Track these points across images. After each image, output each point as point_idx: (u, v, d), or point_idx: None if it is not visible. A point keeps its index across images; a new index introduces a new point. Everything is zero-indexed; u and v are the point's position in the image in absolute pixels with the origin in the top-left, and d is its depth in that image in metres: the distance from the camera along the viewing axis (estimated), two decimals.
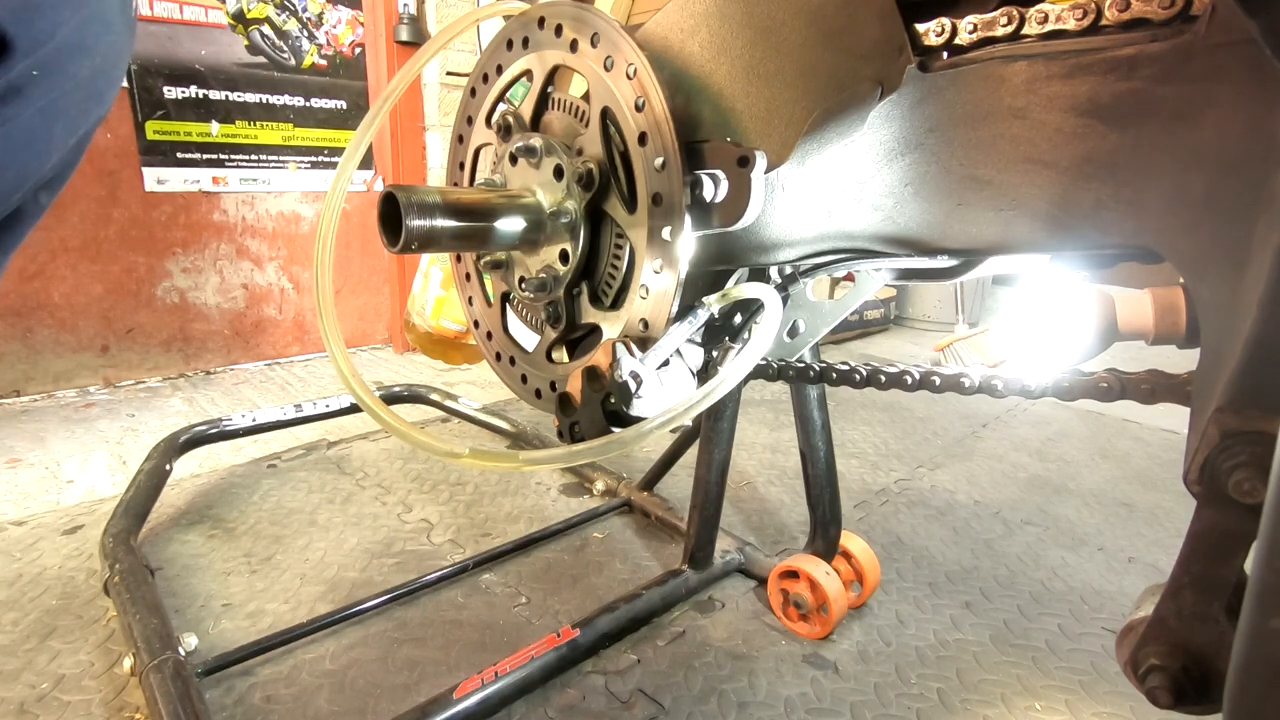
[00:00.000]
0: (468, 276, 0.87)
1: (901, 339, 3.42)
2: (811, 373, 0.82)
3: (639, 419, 0.60)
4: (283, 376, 2.60)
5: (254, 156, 2.57)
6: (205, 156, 2.46)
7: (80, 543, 1.40)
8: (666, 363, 0.63)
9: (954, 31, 0.51)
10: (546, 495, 1.65)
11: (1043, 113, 0.49)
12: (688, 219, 0.59)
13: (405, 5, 2.66)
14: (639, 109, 0.61)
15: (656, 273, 0.62)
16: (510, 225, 0.68)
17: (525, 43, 0.72)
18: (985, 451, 1.97)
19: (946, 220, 0.59)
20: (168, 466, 1.54)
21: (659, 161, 0.60)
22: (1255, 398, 0.35)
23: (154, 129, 2.35)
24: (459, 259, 0.88)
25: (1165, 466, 1.88)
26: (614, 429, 0.60)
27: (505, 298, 0.83)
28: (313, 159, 2.71)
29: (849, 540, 1.22)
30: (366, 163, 2.88)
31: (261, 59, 2.52)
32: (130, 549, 1.24)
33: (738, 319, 0.78)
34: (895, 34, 0.52)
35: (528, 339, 0.79)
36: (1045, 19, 0.47)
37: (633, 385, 0.59)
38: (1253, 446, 0.35)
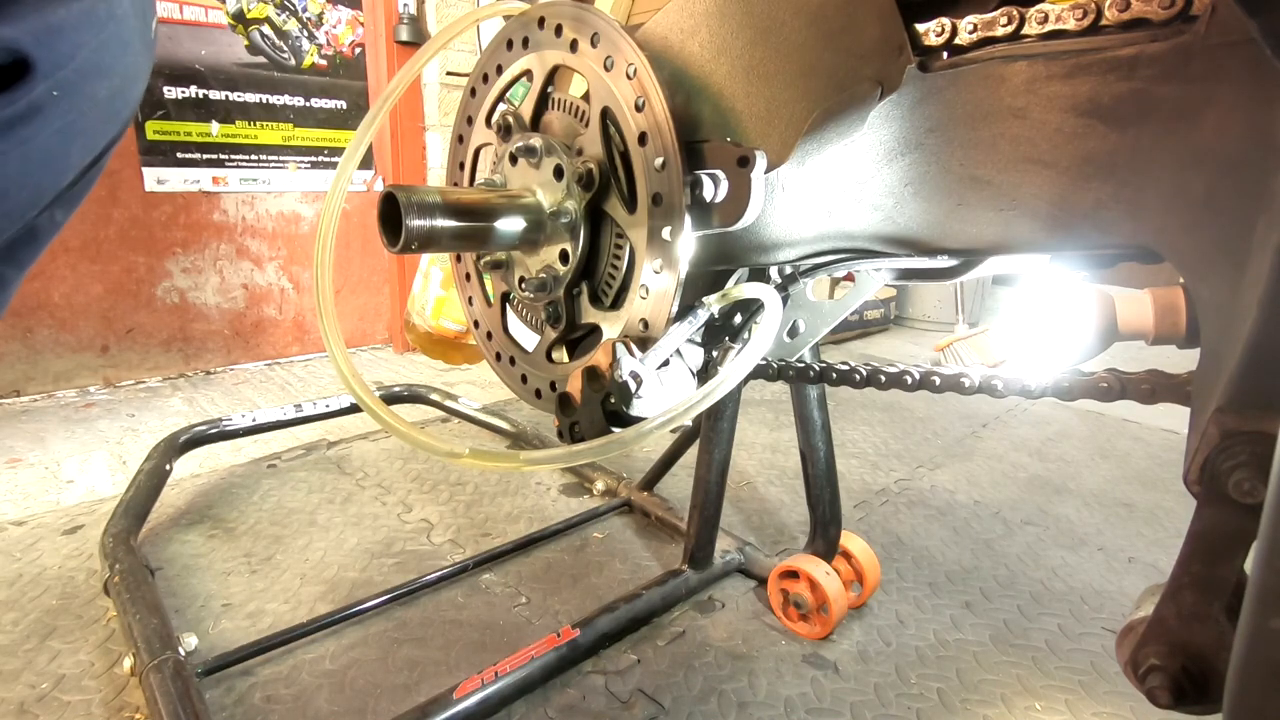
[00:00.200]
0: (468, 276, 0.87)
1: (901, 339, 3.42)
2: (811, 373, 0.82)
3: (639, 419, 0.60)
4: (283, 376, 2.60)
5: (254, 156, 2.57)
6: (205, 156, 2.47)
7: (80, 543, 1.40)
8: (666, 363, 0.63)
9: (954, 31, 0.51)
10: (546, 495, 1.65)
11: (1043, 113, 0.49)
12: (688, 219, 0.59)
13: (405, 5, 2.66)
14: (639, 109, 0.61)
15: (656, 273, 0.62)
16: (510, 225, 0.68)
17: (525, 43, 0.72)
18: (985, 451, 1.97)
19: (946, 220, 0.59)
20: (168, 466, 1.54)
21: (659, 161, 0.60)
22: (1255, 398, 0.35)
23: (154, 129, 2.35)
24: (459, 259, 0.88)
25: (1165, 466, 1.88)
26: (614, 429, 0.60)
27: (505, 298, 0.83)
28: (313, 159, 2.71)
29: (849, 540, 1.22)
30: (366, 163, 2.88)
31: (261, 59, 2.52)
32: (130, 549, 1.24)
33: (738, 319, 0.78)
34: (895, 34, 0.52)
35: (528, 339, 0.79)
36: (1045, 19, 0.47)
37: (633, 385, 0.59)
38: (1253, 446, 0.35)
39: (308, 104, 2.65)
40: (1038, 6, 0.48)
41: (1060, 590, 1.30)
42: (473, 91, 0.80)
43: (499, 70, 0.76)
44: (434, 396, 2.04)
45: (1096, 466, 1.88)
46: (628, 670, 1.08)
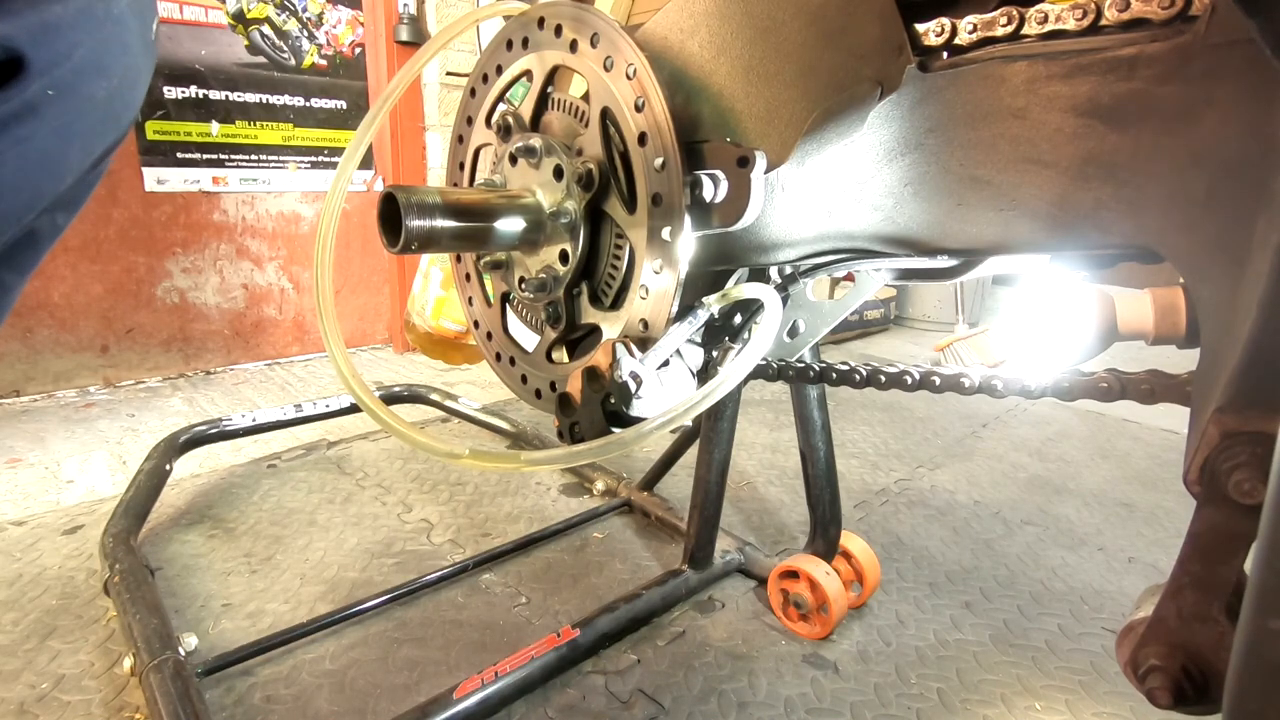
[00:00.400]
0: (468, 276, 0.87)
1: (901, 339, 3.42)
2: (811, 373, 0.82)
3: (639, 419, 0.60)
4: (283, 376, 2.60)
5: (254, 156, 2.57)
6: (205, 156, 2.47)
7: (80, 543, 1.40)
8: (666, 363, 0.63)
9: (954, 31, 0.51)
10: (546, 495, 1.65)
11: (1043, 113, 0.49)
12: (687, 219, 0.59)
13: (405, 5, 2.66)
14: (639, 109, 0.61)
15: (656, 273, 0.62)
16: (510, 225, 0.68)
17: (525, 43, 0.72)
18: (985, 451, 1.97)
19: (946, 220, 0.59)
20: (168, 466, 1.54)
21: (659, 162, 0.60)
22: (1255, 398, 0.35)
23: (154, 129, 2.35)
24: (459, 259, 0.88)
25: (1165, 466, 1.88)
26: (614, 429, 0.60)
27: (505, 298, 0.83)
28: (313, 159, 2.71)
29: (849, 540, 1.22)
30: (366, 163, 2.88)
31: (261, 59, 2.52)
32: (130, 549, 1.24)
33: (738, 319, 0.78)
34: (895, 34, 0.52)
35: (528, 339, 0.79)
36: (1045, 19, 0.47)
37: (633, 385, 0.59)
38: (1253, 447, 0.35)
39: (308, 104, 2.65)
40: (1037, 6, 0.48)
41: (1060, 590, 1.30)
42: (472, 92, 0.80)
43: (499, 70, 0.76)
44: (434, 396, 2.04)
45: (1096, 466, 1.88)
46: (628, 670, 1.08)
